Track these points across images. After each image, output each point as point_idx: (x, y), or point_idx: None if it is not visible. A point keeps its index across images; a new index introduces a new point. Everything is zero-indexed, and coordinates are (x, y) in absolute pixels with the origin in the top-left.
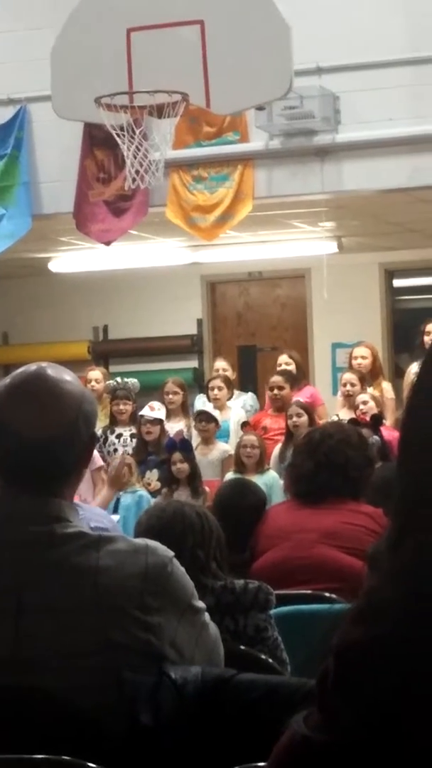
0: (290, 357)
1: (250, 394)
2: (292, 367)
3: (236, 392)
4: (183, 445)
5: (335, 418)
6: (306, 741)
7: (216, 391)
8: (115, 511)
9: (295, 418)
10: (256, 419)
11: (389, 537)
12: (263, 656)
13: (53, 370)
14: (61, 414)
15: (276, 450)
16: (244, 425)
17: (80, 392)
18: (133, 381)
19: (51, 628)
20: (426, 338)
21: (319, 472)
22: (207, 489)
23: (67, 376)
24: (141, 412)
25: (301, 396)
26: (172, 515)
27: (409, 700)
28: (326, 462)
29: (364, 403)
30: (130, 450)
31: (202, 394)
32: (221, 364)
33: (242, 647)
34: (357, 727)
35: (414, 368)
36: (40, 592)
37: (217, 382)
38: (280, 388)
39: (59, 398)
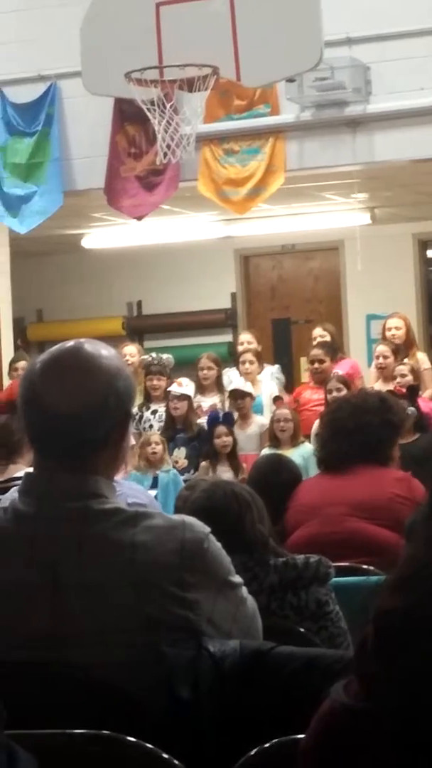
0: (324, 329)
1: (276, 365)
2: (326, 339)
3: (266, 365)
4: (226, 418)
5: None
6: (345, 709)
7: (247, 365)
8: (153, 488)
9: (335, 393)
10: (297, 392)
11: (427, 505)
12: (301, 629)
13: (90, 346)
14: (90, 389)
15: (316, 423)
16: (277, 399)
17: (115, 368)
18: (167, 356)
19: (89, 605)
20: None
21: (333, 440)
22: (244, 465)
23: (105, 351)
24: (169, 388)
25: (340, 368)
26: (224, 496)
27: None
28: (340, 429)
29: (402, 375)
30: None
31: (229, 368)
32: (246, 337)
33: (275, 621)
34: (396, 693)
35: None
36: (77, 569)
37: (248, 356)
38: (321, 361)
39: (90, 373)
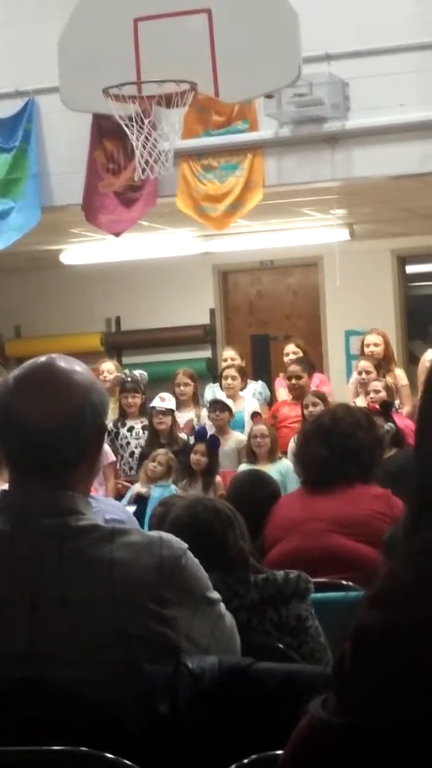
0: (297, 346)
1: (259, 382)
2: (300, 355)
3: (249, 381)
4: (212, 440)
5: None
6: (324, 725)
7: (229, 380)
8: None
9: (311, 408)
10: (275, 408)
11: (405, 522)
12: (280, 645)
13: (63, 361)
14: (66, 404)
15: (293, 439)
16: (254, 416)
17: (89, 383)
18: (141, 373)
19: (67, 622)
20: None
21: (332, 459)
22: (219, 479)
23: (78, 367)
24: (152, 404)
25: (311, 383)
26: (206, 512)
27: (422, 683)
28: (340, 448)
29: (376, 391)
30: (142, 442)
31: (212, 384)
32: (230, 354)
33: (257, 638)
34: (373, 709)
35: (429, 355)
36: (55, 586)
37: (231, 372)
38: (298, 377)
39: (65, 388)
